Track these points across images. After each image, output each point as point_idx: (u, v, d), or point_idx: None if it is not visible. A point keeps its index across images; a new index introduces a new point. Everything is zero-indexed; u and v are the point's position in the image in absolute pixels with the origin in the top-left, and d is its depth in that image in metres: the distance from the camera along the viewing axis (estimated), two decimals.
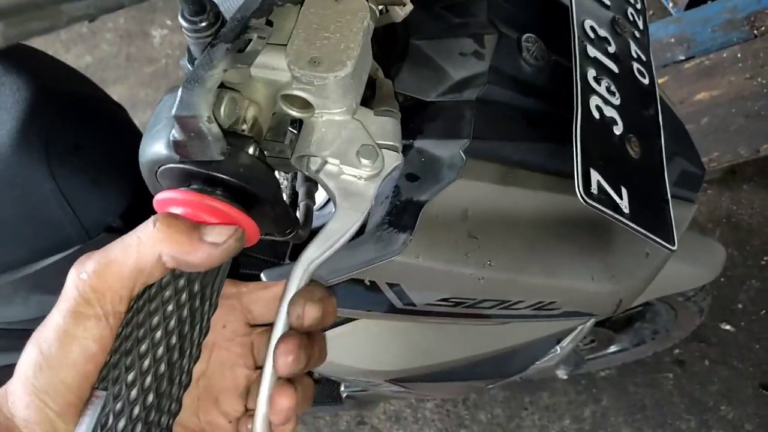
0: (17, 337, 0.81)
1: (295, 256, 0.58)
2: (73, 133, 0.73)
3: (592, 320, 0.76)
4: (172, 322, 0.29)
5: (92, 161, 0.74)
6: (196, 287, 0.30)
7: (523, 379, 1.42)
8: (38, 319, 0.33)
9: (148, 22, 1.96)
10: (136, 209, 0.79)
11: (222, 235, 0.29)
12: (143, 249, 0.28)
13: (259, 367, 0.37)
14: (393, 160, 0.35)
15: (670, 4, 1.74)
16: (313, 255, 0.33)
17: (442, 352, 0.64)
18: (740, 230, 1.58)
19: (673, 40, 1.52)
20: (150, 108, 1.85)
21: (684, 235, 0.74)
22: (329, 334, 0.60)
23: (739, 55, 1.47)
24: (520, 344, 0.67)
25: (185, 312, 0.29)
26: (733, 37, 1.49)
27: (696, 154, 0.74)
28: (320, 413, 1.43)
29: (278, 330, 0.32)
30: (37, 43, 0.84)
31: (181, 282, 0.29)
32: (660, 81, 1.53)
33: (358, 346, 0.62)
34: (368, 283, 0.47)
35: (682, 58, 1.50)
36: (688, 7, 1.66)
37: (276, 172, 0.44)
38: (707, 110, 1.47)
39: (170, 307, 0.29)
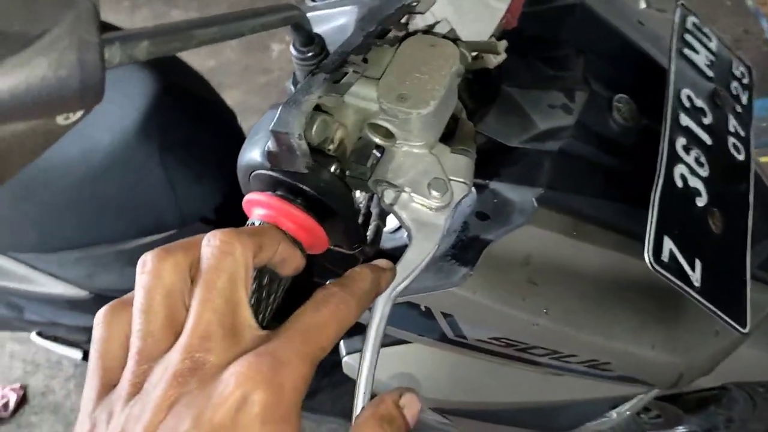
0: None
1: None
2: (188, 130, 0.81)
3: (653, 392, 0.73)
4: None
5: (200, 158, 0.82)
6: (266, 280, 0.33)
7: None
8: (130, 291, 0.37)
9: (270, 36, 2.10)
10: (230, 206, 0.85)
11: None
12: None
13: None
14: (461, 191, 0.37)
15: None
16: (393, 284, 0.35)
17: (490, 392, 0.64)
18: None
19: None
20: (258, 115, 1.97)
21: None
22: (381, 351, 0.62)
23: None
24: (571, 400, 0.66)
25: (252, 300, 0.32)
26: None
27: None
28: None
29: (367, 360, 0.33)
30: None
31: (252, 287, 0.33)
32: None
33: (407, 369, 0.63)
34: (423, 309, 0.49)
35: None
36: None
37: (358, 192, 0.47)
38: None
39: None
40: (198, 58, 2.11)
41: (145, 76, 0.81)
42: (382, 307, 0.34)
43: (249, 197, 0.34)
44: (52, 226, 0.84)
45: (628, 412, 0.75)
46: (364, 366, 0.32)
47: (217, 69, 2.07)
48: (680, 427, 1.28)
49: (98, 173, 0.78)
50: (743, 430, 1.23)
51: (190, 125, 0.81)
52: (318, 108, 0.35)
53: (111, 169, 0.77)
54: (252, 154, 0.34)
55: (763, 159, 1.43)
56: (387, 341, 0.59)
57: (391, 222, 0.62)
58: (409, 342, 0.59)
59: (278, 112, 0.30)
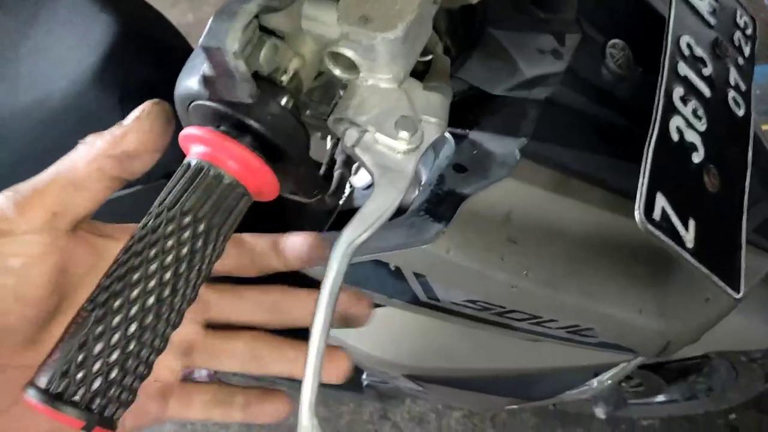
0: None
1: (334, 227, 0.57)
2: (149, 77, 0.75)
3: (637, 360, 0.71)
4: (170, 258, 0.28)
5: None
6: (201, 228, 0.29)
7: (557, 408, 1.36)
8: None
9: None
10: None
11: (139, 108, 0.28)
12: (77, 163, 0.28)
13: (211, 326, 0.36)
14: (433, 132, 0.32)
15: None
16: (351, 236, 0.31)
17: (466, 358, 0.61)
18: None
19: None
20: None
21: (759, 290, 0.67)
22: None
23: None
24: (552, 368, 0.63)
25: (185, 250, 0.28)
26: None
27: None
28: (344, 399, 1.43)
29: (321, 314, 0.30)
30: None
31: (187, 219, 0.28)
32: None
33: (379, 335, 0.60)
34: (393, 269, 0.45)
35: None
36: None
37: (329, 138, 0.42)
38: None
39: (170, 242, 0.28)
40: (176, 12, 2.02)
41: (104, 18, 0.74)
42: (337, 261, 0.29)
43: (185, 132, 0.30)
44: (6, 181, 0.78)
45: (609, 381, 0.73)
46: (315, 326, 0.28)
47: (196, 24, 1.99)
48: (661, 396, 1.28)
49: (54, 122, 0.72)
50: (723, 399, 1.22)
51: (152, 72, 0.75)
52: (269, 32, 0.30)
53: (67, 118, 0.72)
54: (188, 81, 0.29)
55: (765, 127, 1.40)
56: None
57: (364, 178, 0.58)
58: (381, 305, 0.55)
59: (209, 24, 0.26)
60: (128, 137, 0.28)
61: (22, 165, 0.75)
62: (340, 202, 0.59)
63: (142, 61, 0.74)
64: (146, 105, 0.29)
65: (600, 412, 1.11)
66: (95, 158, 0.28)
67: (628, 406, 1.22)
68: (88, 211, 0.29)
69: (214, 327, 0.36)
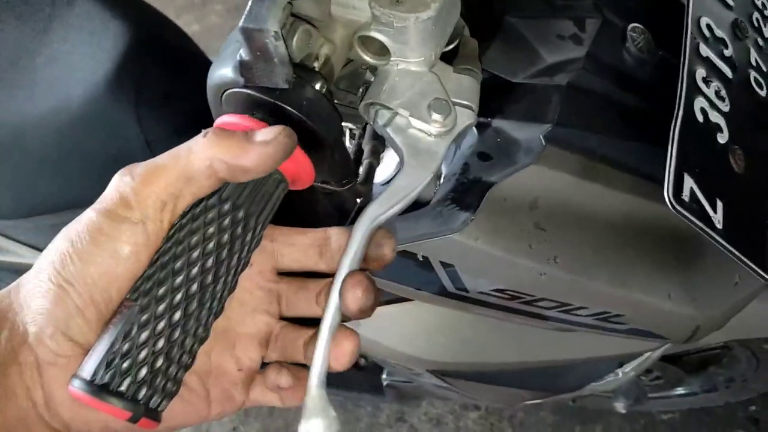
0: None
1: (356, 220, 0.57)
2: (165, 82, 0.75)
3: (660, 351, 0.70)
4: (211, 245, 0.28)
5: (178, 111, 0.77)
6: (241, 214, 0.29)
7: (576, 404, 1.35)
8: None
9: None
10: None
11: (271, 132, 0.27)
12: (193, 156, 0.27)
13: (284, 318, 0.36)
14: (466, 118, 0.32)
15: None
16: (376, 212, 0.31)
17: (491, 352, 0.61)
18: None
19: None
20: None
21: None
22: (377, 311, 0.58)
23: None
24: (578, 359, 0.62)
25: (225, 237, 0.28)
26: None
27: None
28: (362, 402, 1.42)
29: (337, 286, 0.31)
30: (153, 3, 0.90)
31: (226, 206, 0.28)
32: None
33: (404, 329, 0.59)
34: (421, 259, 0.44)
35: None
36: None
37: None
38: None
39: (211, 229, 0.28)
40: (181, 23, 2.02)
41: (119, 24, 0.75)
42: (360, 235, 0.30)
43: (220, 120, 0.30)
44: (26, 189, 0.79)
45: (633, 372, 0.72)
46: (332, 296, 0.29)
47: (202, 33, 2.00)
48: (680, 388, 1.27)
49: (71, 129, 0.72)
50: (743, 390, 1.21)
51: (167, 78, 0.75)
52: (300, 18, 0.30)
53: (84, 124, 0.72)
54: (222, 70, 0.29)
55: None
56: (383, 300, 0.55)
57: (383, 172, 0.58)
58: (407, 300, 0.55)
59: (248, 5, 0.26)
60: (250, 154, 0.27)
61: (41, 171, 0.76)
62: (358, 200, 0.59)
63: (156, 66, 0.74)
64: (278, 130, 0.28)
65: (620, 406, 1.10)
66: (212, 158, 0.27)
67: (647, 399, 1.21)
68: (189, 205, 0.29)
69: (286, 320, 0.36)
